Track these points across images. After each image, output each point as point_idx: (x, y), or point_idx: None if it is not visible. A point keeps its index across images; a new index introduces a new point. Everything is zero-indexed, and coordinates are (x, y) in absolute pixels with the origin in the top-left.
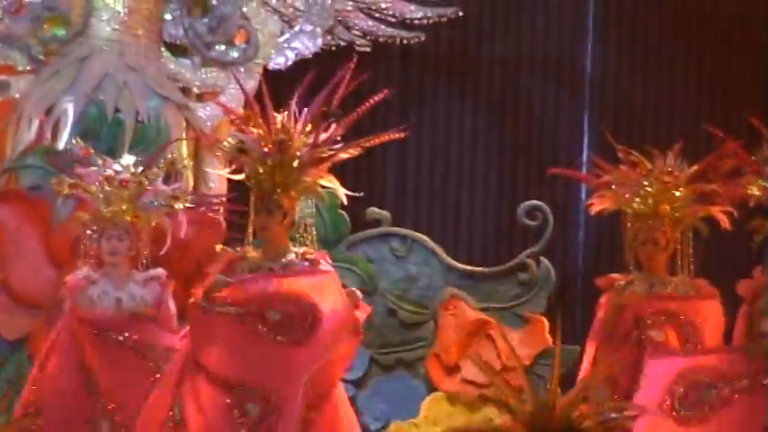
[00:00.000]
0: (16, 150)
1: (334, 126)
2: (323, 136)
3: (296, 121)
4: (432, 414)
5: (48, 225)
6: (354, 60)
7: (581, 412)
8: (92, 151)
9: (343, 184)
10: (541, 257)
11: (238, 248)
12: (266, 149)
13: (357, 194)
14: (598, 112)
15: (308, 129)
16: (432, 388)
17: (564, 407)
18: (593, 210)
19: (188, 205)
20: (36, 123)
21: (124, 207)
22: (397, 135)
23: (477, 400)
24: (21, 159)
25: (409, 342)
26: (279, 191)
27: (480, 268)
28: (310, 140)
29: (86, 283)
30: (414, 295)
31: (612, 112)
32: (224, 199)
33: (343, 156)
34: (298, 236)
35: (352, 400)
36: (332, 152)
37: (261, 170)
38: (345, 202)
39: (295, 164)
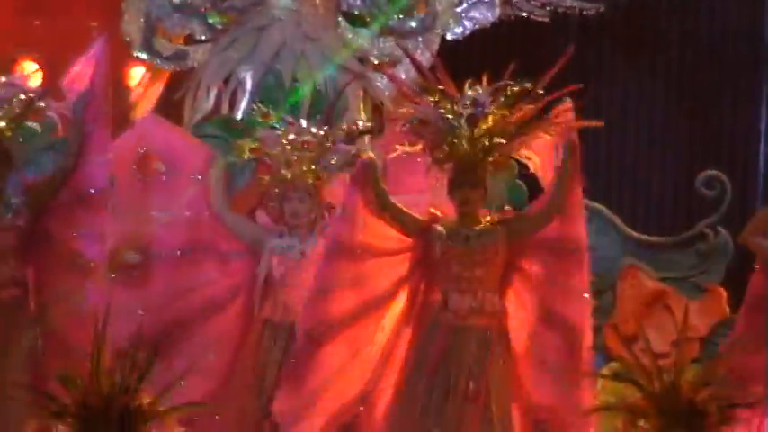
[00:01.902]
0: (194, 119)
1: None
2: (518, 113)
3: (492, 95)
4: (609, 384)
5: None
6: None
7: (706, 395)
8: (272, 114)
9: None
10: (719, 228)
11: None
12: (456, 122)
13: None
14: None
15: (500, 103)
16: (609, 358)
17: (690, 388)
18: None
19: None
20: (214, 92)
21: (305, 169)
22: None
23: (611, 378)
24: (198, 128)
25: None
26: (480, 164)
27: (658, 238)
28: (505, 115)
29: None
30: (591, 265)
31: None
32: None
33: (538, 131)
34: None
35: None
36: (526, 128)
37: (457, 142)
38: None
39: (495, 139)
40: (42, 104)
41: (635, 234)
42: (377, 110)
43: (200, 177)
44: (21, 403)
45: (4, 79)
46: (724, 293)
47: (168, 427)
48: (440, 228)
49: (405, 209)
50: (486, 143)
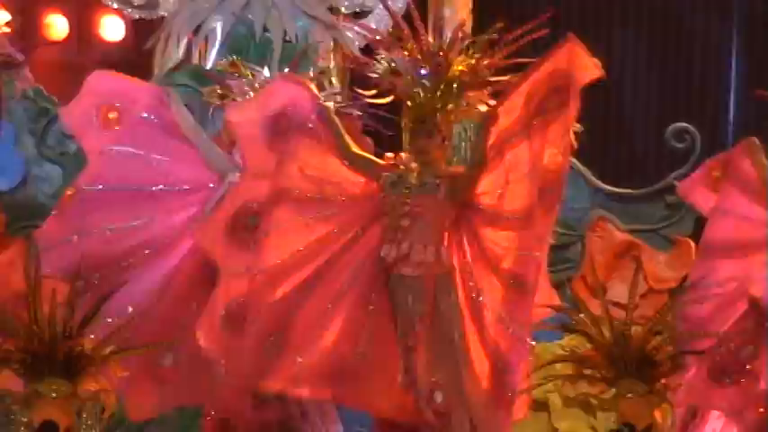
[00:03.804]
0: (164, 68)
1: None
2: (486, 60)
3: (453, 43)
4: (578, 336)
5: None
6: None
7: (656, 344)
8: (240, 63)
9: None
10: None
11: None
12: (423, 71)
13: None
14: (746, 35)
15: (470, 51)
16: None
17: (640, 338)
18: None
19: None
20: (184, 42)
21: None
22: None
23: (562, 330)
24: (168, 77)
25: (556, 263)
26: (438, 114)
27: (627, 190)
28: (472, 63)
29: None
30: (560, 217)
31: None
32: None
33: (504, 80)
34: (454, 160)
35: None
36: (494, 77)
37: (419, 92)
38: None
39: (455, 86)
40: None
41: (604, 186)
42: (346, 60)
43: (152, 117)
44: None
45: None
46: (693, 245)
47: (112, 370)
48: (388, 174)
49: (368, 155)
50: (447, 91)
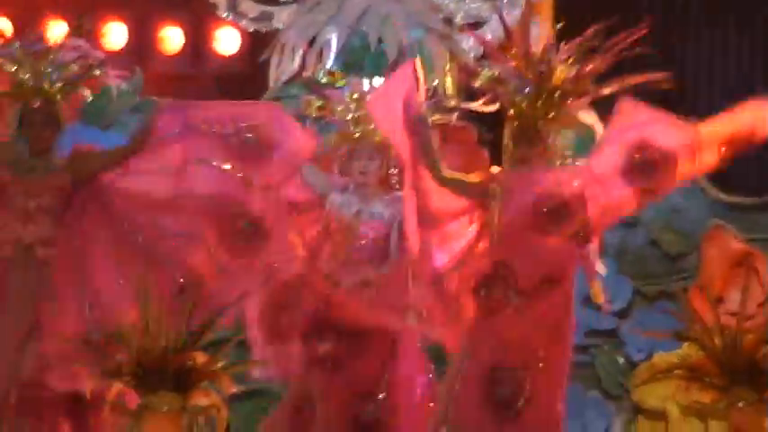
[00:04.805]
0: (279, 80)
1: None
2: (587, 69)
3: (557, 53)
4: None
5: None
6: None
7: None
8: (338, 73)
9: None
10: None
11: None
12: (525, 79)
13: None
14: None
15: (569, 60)
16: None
17: (751, 346)
18: None
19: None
20: (299, 54)
21: (372, 126)
22: (660, 76)
23: (675, 338)
24: (284, 89)
25: (673, 273)
26: (540, 121)
27: (745, 199)
28: (572, 72)
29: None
30: (677, 226)
31: None
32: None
33: (606, 91)
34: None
35: (615, 331)
36: (595, 86)
37: (521, 100)
38: None
39: (556, 95)
40: (99, 72)
41: (721, 195)
42: (462, 71)
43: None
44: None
45: (68, 41)
46: None
47: (224, 385)
48: (495, 186)
49: (458, 176)
50: (548, 99)
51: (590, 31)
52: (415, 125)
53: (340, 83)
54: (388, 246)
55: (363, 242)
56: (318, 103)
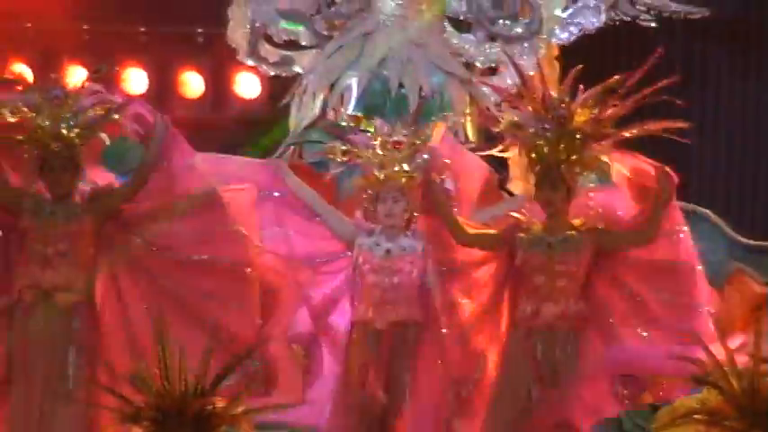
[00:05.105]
0: (300, 125)
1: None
2: (607, 112)
3: (574, 96)
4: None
5: (333, 200)
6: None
7: None
8: (362, 117)
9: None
10: None
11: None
12: (545, 123)
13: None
14: None
15: (588, 103)
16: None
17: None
18: None
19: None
20: (321, 98)
21: (397, 169)
22: (681, 125)
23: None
24: (305, 134)
25: None
26: (563, 165)
27: (765, 242)
28: (593, 115)
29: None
30: None
31: None
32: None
33: (627, 134)
34: None
35: None
36: (616, 129)
37: (542, 143)
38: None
39: (578, 137)
40: (118, 117)
41: (742, 238)
42: (482, 116)
43: (276, 194)
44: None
45: (86, 86)
46: None
47: (243, 429)
48: (522, 235)
49: (482, 231)
50: (569, 142)
51: (613, 79)
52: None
53: (367, 126)
54: (425, 280)
55: (398, 280)
56: (343, 147)
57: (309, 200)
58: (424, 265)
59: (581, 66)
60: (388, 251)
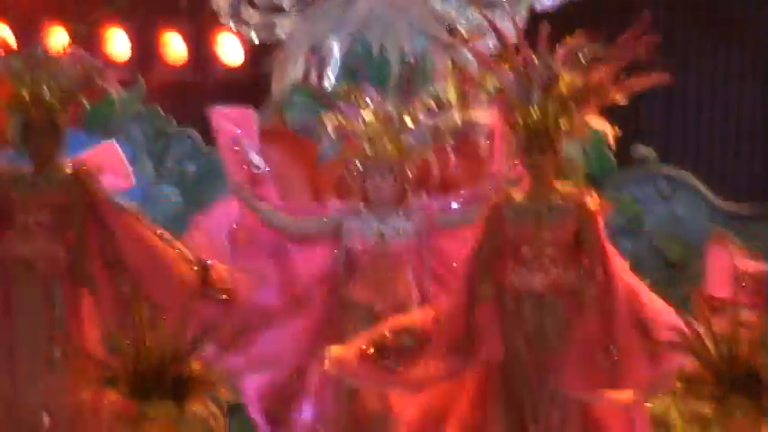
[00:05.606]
0: (282, 89)
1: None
2: (596, 77)
3: (561, 61)
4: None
5: (313, 165)
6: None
7: (763, 361)
8: (355, 88)
9: (609, 121)
10: None
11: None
12: (531, 87)
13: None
14: None
15: (574, 66)
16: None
17: (747, 355)
18: None
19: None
20: (302, 62)
21: (387, 143)
22: (664, 78)
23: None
24: (287, 97)
25: (675, 282)
26: (552, 128)
27: (746, 208)
28: (579, 80)
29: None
30: (679, 235)
31: None
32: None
33: (613, 97)
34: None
35: None
36: (601, 93)
37: (528, 109)
38: (612, 143)
39: (567, 102)
40: (99, 81)
41: (723, 205)
42: (464, 80)
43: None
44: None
45: (69, 49)
46: None
47: (222, 394)
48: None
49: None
50: (557, 107)
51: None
52: None
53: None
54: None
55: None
56: (335, 120)
57: (277, 222)
58: (421, 251)
59: (566, 31)
60: (381, 235)
